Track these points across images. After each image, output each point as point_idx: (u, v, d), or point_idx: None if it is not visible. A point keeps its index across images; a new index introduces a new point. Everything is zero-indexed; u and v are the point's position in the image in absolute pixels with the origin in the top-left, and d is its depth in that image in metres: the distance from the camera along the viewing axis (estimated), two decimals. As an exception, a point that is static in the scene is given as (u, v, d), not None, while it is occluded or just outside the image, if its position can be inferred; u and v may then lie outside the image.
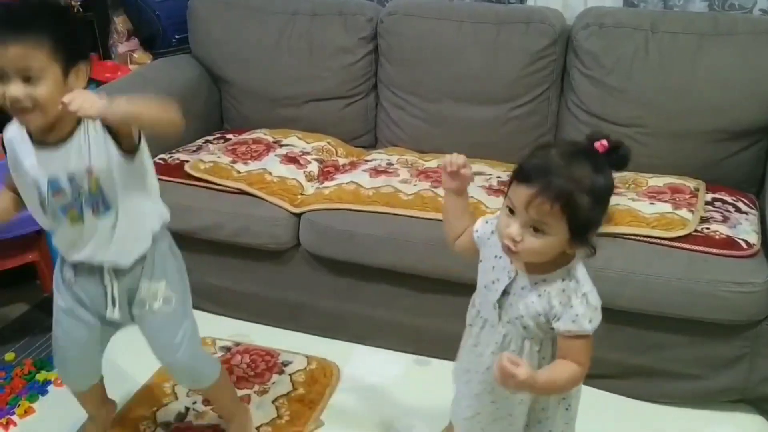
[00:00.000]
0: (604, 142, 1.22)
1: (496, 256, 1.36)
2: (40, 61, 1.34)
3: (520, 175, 1.22)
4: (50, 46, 1.35)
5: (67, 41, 1.38)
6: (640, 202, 2.09)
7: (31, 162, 1.47)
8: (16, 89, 1.34)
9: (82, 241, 1.53)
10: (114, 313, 1.60)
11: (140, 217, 1.56)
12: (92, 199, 1.48)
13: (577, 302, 1.26)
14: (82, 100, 1.28)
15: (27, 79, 1.34)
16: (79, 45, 1.45)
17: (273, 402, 2.07)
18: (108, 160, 1.45)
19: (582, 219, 1.19)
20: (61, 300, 1.66)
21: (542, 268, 1.29)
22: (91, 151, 1.43)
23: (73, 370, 1.76)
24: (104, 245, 1.53)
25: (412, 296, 2.20)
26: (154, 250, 1.60)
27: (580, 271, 1.29)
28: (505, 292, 1.34)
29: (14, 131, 1.50)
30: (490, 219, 1.41)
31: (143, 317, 1.65)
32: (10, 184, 1.56)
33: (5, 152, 1.52)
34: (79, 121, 1.42)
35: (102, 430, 1.94)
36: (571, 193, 1.17)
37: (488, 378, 1.39)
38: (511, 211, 1.23)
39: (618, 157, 1.23)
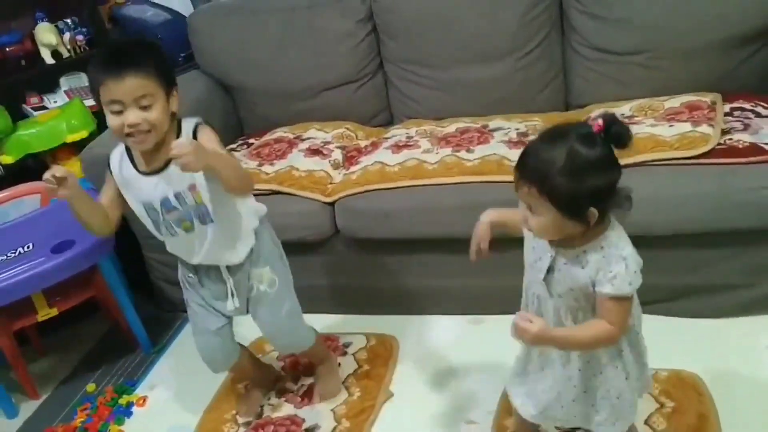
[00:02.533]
0: (600, 121, 1.24)
1: (534, 237, 1.40)
2: (151, 88, 1.57)
3: (517, 164, 1.31)
4: (156, 76, 1.58)
5: (165, 70, 1.62)
6: (660, 127, 2.11)
7: (142, 186, 1.70)
8: (135, 116, 1.56)
9: (197, 246, 1.78)
10: (234, 303, 1.86)
11: (238, 218, 1.80)
12: (198, 210, 1.71)
13: (616, 265, 1.28)
14: (188, 158, 1.47)
15: (141, 107, 1.56)
16: (171, 71, 1.67)
17: (343, 383, 2.16)
18: (201, 177, 1.66)
19: (565, 198, 1.23)
20: (191, 298, 1.92)
21: (579, 241, 1.32)
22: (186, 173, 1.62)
23: (215, 353, 1.97)
24: (216, 247, 1.78)
25: (453, 261, 2.25)
26: (259, 243, 1.85)
27: (616, 235, 1.31)
28: (550, 269, 1.37)
29: (116, 161, 1.72)
30: None
31: (253, 300, 1.90)
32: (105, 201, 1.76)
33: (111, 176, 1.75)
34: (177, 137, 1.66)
35: (261, 390, 2.18)
36: (543, 176, 1.23)
37: (545, 351, 1.46)
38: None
39: (614, 135, 1.24)
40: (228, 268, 1.84)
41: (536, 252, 1.40)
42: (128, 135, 1.59)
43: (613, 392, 1.45)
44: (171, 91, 1.63)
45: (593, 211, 1.25)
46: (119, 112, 1.56)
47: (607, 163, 1.25)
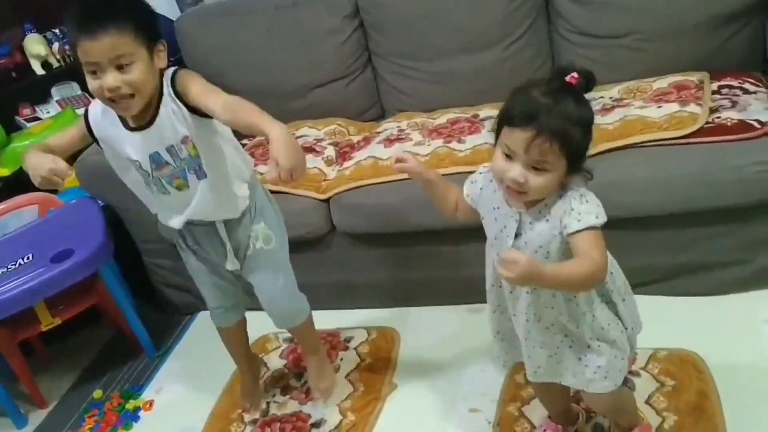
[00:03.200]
0: (574, 74, 1.27)
1: (494, 208, 1.42)
2: (128, 47, 1.44)
3: (512, 121, 1.26)
4: (134, 31, 1.44)
5: (146, 23, 1.49)
6: (648, 108, 2.12)
7: (130, 146, 1.61)
8: (113, 78, 1.44)
9: (192, 204, 1.69)
10: (233, 263, 1.79)
11: (232, 168, 1.69)
12: (193, 163, 1.62)
13: (576, 204, 1.30)
14: (290, 170, 1.39)
15: (120, 68, 1.44)
16: (155, 24, 1.54)
17: (346, 377, 2.19)
18: (193, 126, 1.57)
19: (577, 149, 1.27)
20: (190, 260, 1.87)
21: (538, 198, 1.34)
22: (177, 122, 1.56)
23: (218, 304, 1.94)
24: (212, 203, 1.68)
25: (450, 251, 2.27)
26: (254, 195, 1.77)
27: (579, 187, 1.34)
28: (517, 234, 1.38)
29: (98, 116, 1.63)
30: (475, 178, 1.49)
31: (249, 258, 1.80)
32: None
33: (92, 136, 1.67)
34: (159, 99, 1.55)
35: (254, 380, 2.14)
36: (565, 130, 1.23)
37: (530, 311, 1.45)
38: (508, 157, 1.29)
39: (587, 83, 1.29)
40: (225, 224, 1.76)
41: (499, 222, 1.41)
42: (110, 100, 1.49)
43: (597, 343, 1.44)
44: (155, 47, 1.51)
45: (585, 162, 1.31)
46: (97, 74, 1.45)
47: (593, 111, 1.31)
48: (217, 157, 1.65)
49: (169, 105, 1.55)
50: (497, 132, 1.32)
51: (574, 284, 1.31)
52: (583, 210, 1.30)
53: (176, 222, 1.76)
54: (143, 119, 1.57)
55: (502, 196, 1.39)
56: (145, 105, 1.55)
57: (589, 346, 1.44)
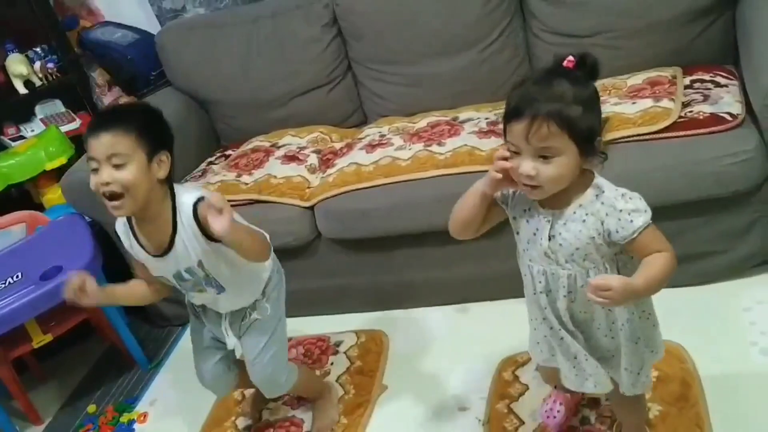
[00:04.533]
0: (570, 58, 1.27)
1: (525, 210, 1.39)
2: (125, 147, 1.51)
3: (509, 116, 1.26)
4: (136, 135, 1.52)
5: (150, 130, 1.56)
6: (623, 105, 2.16)
7: (153, 268, 1.71)
8: (106, 174, 1.51)
9: (210, 302, 1.82)
10: (231, 342, 1.84)
11: (251, 277, 1.80)
12: (209, 281, 1.72)
13: (621, 204, 1.27)
14: (224, 218, 1.46)
15: (115, 167, 1.51)
16: (162, 136, 1.60)
17: (336, 381, 2.21)
18: (205, 252, 1.64)
19: (581, 127, 1.22)
20: (196, 327, 1.91)
21: (571, 198, 1.31)
22: (192, 250, 1.63)
23: (216, 382, 1.96)
24: (227, 302, 1.80)
25: (434, 253, 2.30)
26: (268, 286, 1.86)
27: (600, 180, 1.31)
28: (550, 237, 1.35)
29: (124, 236, 1.71)
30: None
31: (243, 327, 1.85)
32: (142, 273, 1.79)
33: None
34: (174, 222, 1.61)
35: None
36: (560, 109, 1.20)
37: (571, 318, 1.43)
38: (516, 153, 1.27)
39: (588, 67, 1.27)
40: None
41: (531, 225, 1.38)
42: (105, 197, 1.54)
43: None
44: (156, 156, 1.56)
45: (600, 141, 1.26)
46: (96, 171, 1.53)
47: (597, 92, 1.29)
48: (237, 274, 1.73)
49: (184, 232, 1.62)
50: (504, 130, 1.29)
51: (665, 282, 1.29)
52: (631, 209, 1.27)
53: (221, 309, 1.84)
54: (161, 248, 1.65)
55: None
56: (153, 221, 1.62)
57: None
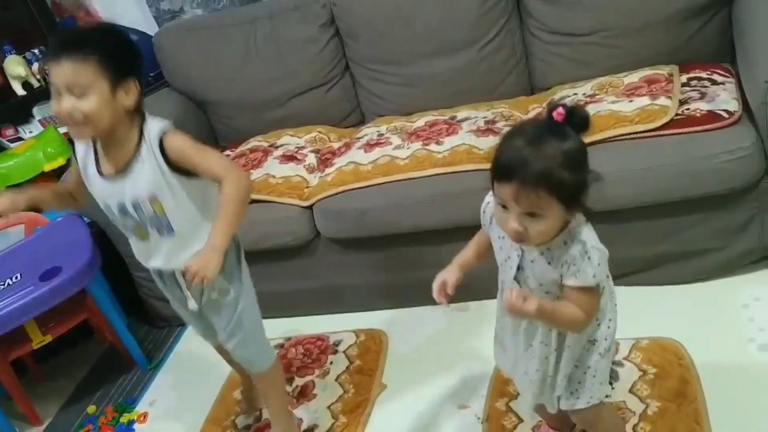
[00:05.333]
0: (560, 110, 1.26)
1: (499, 237, 1.41)
2: (86, 77, 1.45)
3: (499, 174, 1.25)
4: (98, 63, 1.45)
5: (114, 58, 1.48)
6: (620, 103, 2.16)
7: (99, 188, 1.62)
8: (66, 103, 1.46)
9: (152, 253, 1.70)
10: (191, 305, 1.76)
11: (202, 231, 1.63)
12: (157, 221, 1.62)
13: (579, 260, 1.29)
14: (200, 275, 1.48)
15: (76, 96, 1.46)
16: (128, 62, 1.53)
17: (336, 380, 2.22)
18: (167, 185, 1.57)
19: (569, 190, 1.23)
20: (165, 292, 1.84)
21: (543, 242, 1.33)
22: (146, 180, 1.56)
23: (200, 330, 1.92)
24: (172, 257, 1.68)
25: (433, 251, 2.29)
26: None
27: (585, 232, 1.32)
28: (519, 267, 1.38)
29: (82, 151, 1.65)
30: (484, 207, 1.47)
31: (205, 306, 1.78)
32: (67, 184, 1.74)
33: (77, 164, 1.68)
34: (138, 143, 1.55)
35: (252, 386, 2.13)
36: (549, 176, 1.20)
37: (528, 334, 1.47)
38: (504, 207, 1.27)
39: (578, 120, 1.26)
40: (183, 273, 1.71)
41: (504, 251, 1.42)
42: (67, 123, 1.50)
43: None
44: (122, 83, 1.49)
45: (586, 196, 1.27)
46: (58, 98, 1.47)
47: (586, 149, 1.28)
48: (190, 221, 1.64)
49: (147, 161, 1.55)
50: (492, 181, 1.29)
51: (563, 325, 1.37)
52: (583, 269, 1.30)
53: (143, 261, 1.76)
54: (116, 167, 1.58)
55: None
56: (116, 144, 1.56)
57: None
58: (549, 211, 1.24)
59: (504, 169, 1.24)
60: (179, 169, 1.57)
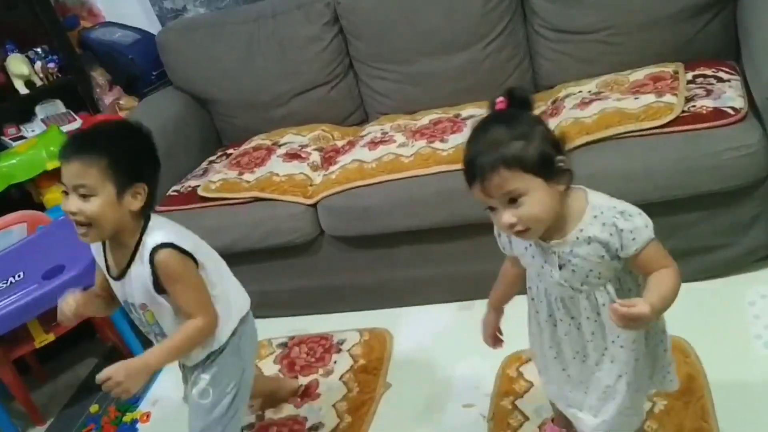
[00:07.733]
0: (500, 98, 1.27)
1: (525, 248, 1.38)
2: (92, 179, 1.44)
3: (467, 180, 1.26)
4: (106, 167, 1.45)
5: (124, 162, 1.48)
6: (626, 100, 2.16)
7: (111, 286, 1.64)
8: (72, 203, 1.46)
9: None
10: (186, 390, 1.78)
11: None
12: (151, 328, 1.65)
13: (622, 224, 1.26)
14: (118, 389, 1.49)
15: (82, 197, 1.46)
16: (139, 167, 1.52)
17: (340, 379, 2.21)
18: (154, 298, 1.57)
19: (531, 158, 1.20)
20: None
21: (569, 224, 1.29)
22: (137, 290, 1.57)
23: None
24: None
25: (439, 249, 2.30)
26: (219, 353, 1.70)
27: (595, 198, 1.30)
28: (560, 267, 1.33)
29: (94, 250, 1.66)
30: (497, 231, 1.44)
31: (187, 397, 1.77)
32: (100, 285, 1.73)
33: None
34: (136, 249, 1.54)
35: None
36: (499, 153, 1.19)
37: (596, 342, 1.41)
38: (491, 208, 1.26)
39: (518, 101, 1.27)
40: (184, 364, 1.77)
41: (536, 260, 1.37)
42: (74, 222, 1.50)
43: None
44: (128, 188, 1.49)
45: (562, 158, 1.24)
46: (66, 197, 1.48)
47: (534, 117, 1.29)
48: (179, 327, 1.61)
49: (139, 267, 1.55)
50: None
51: (674, 300, 1.29)
52: (632, 227, 1.26)
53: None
54: (119, 269, 1.59)
55: None
56: (119, 245, 1.56)
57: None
58: (525, 187, 1.21)
59: (467, 173, 1.25)
60: (163, 289, 1.55)
